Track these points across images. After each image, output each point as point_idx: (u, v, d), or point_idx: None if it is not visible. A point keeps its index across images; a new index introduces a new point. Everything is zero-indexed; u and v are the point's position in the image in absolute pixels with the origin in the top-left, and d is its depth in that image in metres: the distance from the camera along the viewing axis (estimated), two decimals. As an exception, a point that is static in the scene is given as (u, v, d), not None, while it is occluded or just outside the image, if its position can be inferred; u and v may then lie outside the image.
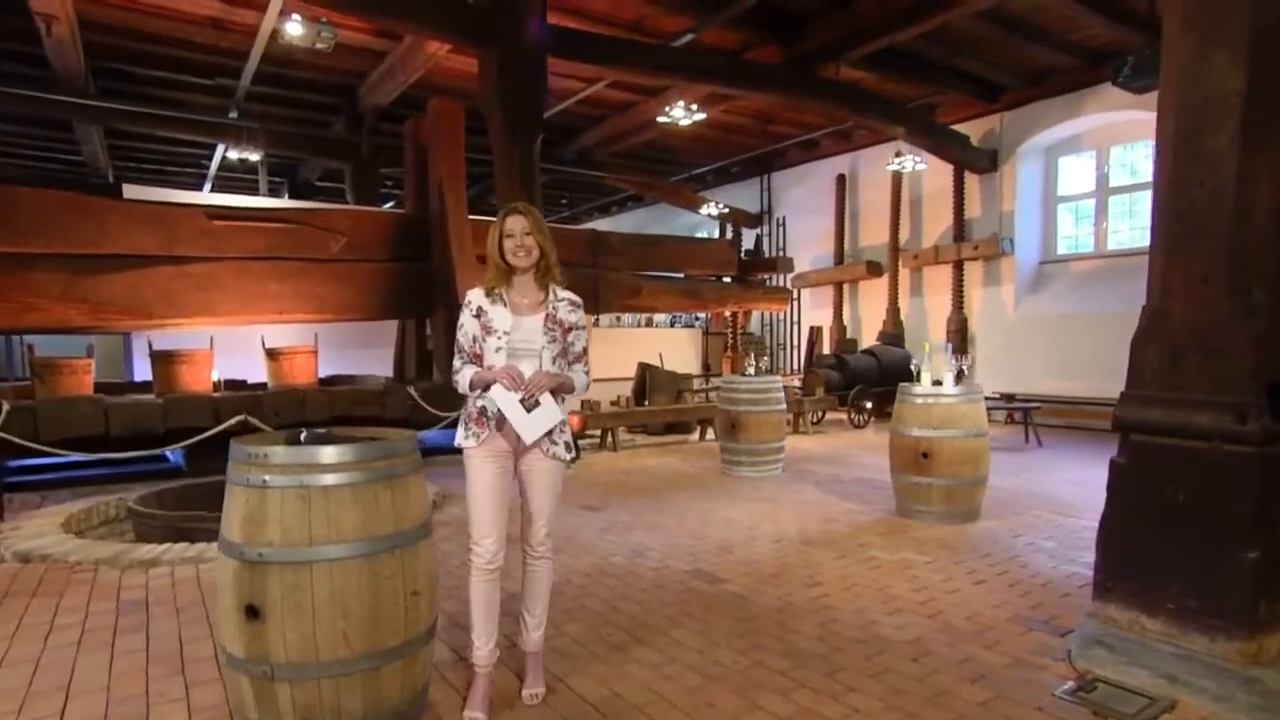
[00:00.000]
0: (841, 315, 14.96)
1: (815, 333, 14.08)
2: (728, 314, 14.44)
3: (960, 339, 12.72)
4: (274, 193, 15.35)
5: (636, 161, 15.76)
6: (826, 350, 14.25)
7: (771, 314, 16.33)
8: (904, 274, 13.89)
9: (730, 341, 14.59)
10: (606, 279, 10.88)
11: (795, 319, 15.94)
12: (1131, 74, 7.31)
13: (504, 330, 2.76)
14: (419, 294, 9.30)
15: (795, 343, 16.03)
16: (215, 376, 8.02)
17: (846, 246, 14.96)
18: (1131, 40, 9.52)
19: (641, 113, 12.47)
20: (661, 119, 9.95)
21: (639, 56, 8.76)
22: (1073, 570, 4.43)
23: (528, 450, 2.82)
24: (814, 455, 8.88)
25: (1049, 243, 12.36)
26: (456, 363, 2.84)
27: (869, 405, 11.72)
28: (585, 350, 2.90)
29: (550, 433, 2.81)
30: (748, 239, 15.17)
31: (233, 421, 4.38)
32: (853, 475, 7.59)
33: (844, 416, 11.94)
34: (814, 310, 15.65)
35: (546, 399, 2.74)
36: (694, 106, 9.56)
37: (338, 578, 2.41)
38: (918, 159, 11.95)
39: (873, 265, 14.21)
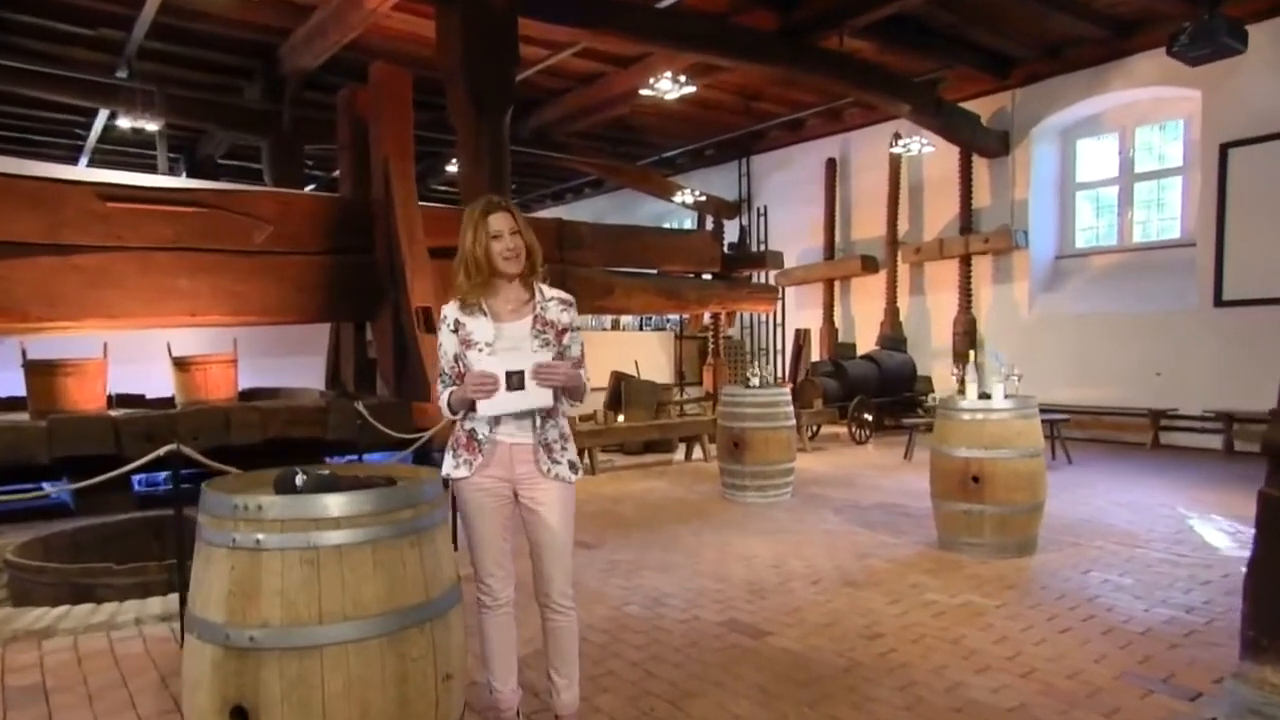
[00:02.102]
0: (833, 316, 14.93)
1: (802, 336, 13.97)
2: (707, 317, 14.25)
3: (968, 342, 12.74)
4: (169, 171, 14.65)
5: (599, 142, 15.56)
6: (815, 356, 14.18)
7: (754, 316, 16.20)
8: (903, 270, 13.91)
9: (712, 347, 14.40)
10: (575, 276, 10.61)
11: (779, 321, 15.85)
12: (1190, 42, 7.32)
13: (486, 341, 2.73)
14: (360, 292, 8.98)
15: (779, 348, 15.93)
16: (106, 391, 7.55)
17: (837, 239, 14.96)
18: (1169, 8, 9.62)
19: (609, 86, 12.21)
20: (646, 91, 9.70)
21: (621, 18, 8.50)
22: (1169, 614, 4.29)
23: (525, 476, 2.75)
24: (822, 477, 8.76)
25: (1066, 235, 12.48)
26: (438, 387, 2.85)
27: (869, 418, 11.66)
28: (582, 355, 2.87)
29: (549, 447, 2.74)
30: (730, 231, 15.04)
31: (162, 451, 3.95)
32: (872, 500, 7.51)
33: (841, 430, 11.87)
34: (800, 311, 15.60)
35: (533, 386, 2.63)
36: (682, 79, 9.34)
37: (355, 664, 2.08)
38: (924, 141, 11.94)
39: (868, 260, 14.20)
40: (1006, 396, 5.69)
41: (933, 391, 12.85)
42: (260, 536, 2.06)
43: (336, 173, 15.66)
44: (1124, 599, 4.55)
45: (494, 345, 2.72)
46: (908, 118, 11.70)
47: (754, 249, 14.75)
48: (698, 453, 10.14)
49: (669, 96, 9.79)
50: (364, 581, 2.11)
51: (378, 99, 8.96)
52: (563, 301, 2.85)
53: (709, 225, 13.47)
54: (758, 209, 16.25)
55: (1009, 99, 12.33)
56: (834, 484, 8.35)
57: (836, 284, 14.97)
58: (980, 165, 12.75)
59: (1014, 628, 4.15)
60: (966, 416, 5.63)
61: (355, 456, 7.91)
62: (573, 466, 2.81)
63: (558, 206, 20.14)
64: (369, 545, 2.13)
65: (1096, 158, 12.16)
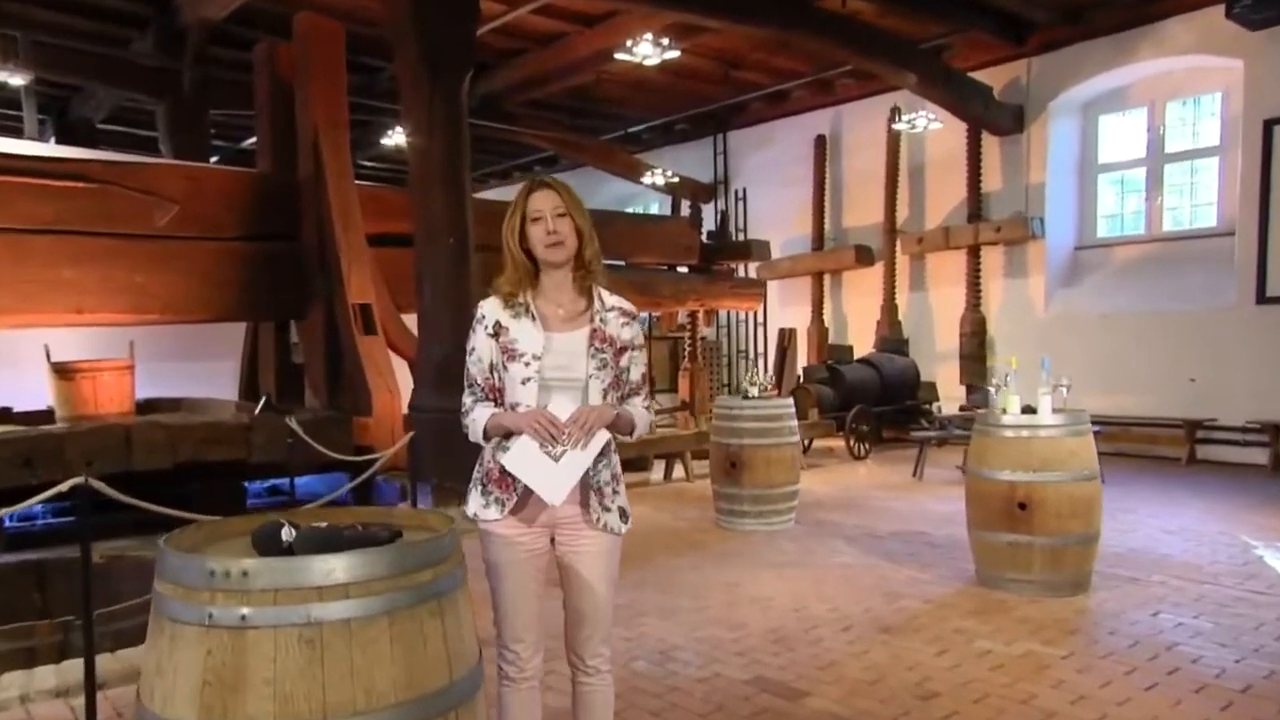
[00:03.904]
0: (822, 314, 14.92)
1: (786, 338, 13.94)
2: (683, 315, 14.11)
3: (976, 344, 12.80)
4: (37, 136, 14.05)
5: (556, 113, 15.41)
6: (802, 359, 14.14)
7: (734, 315, 16.11)
8: (903, 262, 13.95)
9: (689, 350, 14.26)
10: None
11: (761, 320, 15.79)
12: (1254, 2, 7.37)
13: (533, 354, 2.60)
14: (284, 286, 8.85)
15: (760, 350, 15.87)
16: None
17: (827, 227, 14.95)
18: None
19: (572, 48, 12.02)
20: (622, 55, 9.50)
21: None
22: (1269, 667, 4.22)
23: (568, 521, 2.65)
24: (824, 500, 8.70)
25: (1087, 223, 12.59)
26: (467, 400, 2.72)
27: (866, 429, 11.64)
28: (643, 378, 2.79)
29: (600, 490, 2.64)
30: (710, 218, 14.96)
31: (65, 486, 3.66)
32: (888, 527, 7.49)
33: (835, 444, 11.82)
34: (784, 308, 15.58)
35: (571, 458, 2.57)
36: (665, 41, 9.17)
37: (369, 773, 1.84)
38: (931, 117, 11.93)
39: (862, 251, 14.21)
40: (1055, 410, 5.64)
41: (937, 400, 12.89)
42: (246, 611, 1.82)
43: (250, 143, 15.44)
44: (1208, 648, 4.48)
45: (543, 361, 2.58)
46: (913, 89, 11.68)
47: (735, 237, 14.63)
48: (678, 471, 10.00)
49: (649, 62, 9.61)
50: (378, 664, 1.89)
51: (304, 57, 8.79)
52: (624, 313, 2.72)
53: (684, 211, 13.32)
54: (735, 192, 16.19)
55: (1024, 69, 12.40)
56: (840, 508, 8.31)
57: (826, 278, 14.95)
58: (991, 144, 12.79)
59: (1090, 684, 4.06)
60: (1010, 434, 5.57)
61: (284, 481, 7.65)
62: (623, 515, 2.70)
63: (504, 186, 19.86)
64: (385, 617, 1.91)
65: (1122, 136, 12.26)
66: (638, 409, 2.71)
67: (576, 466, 2.53)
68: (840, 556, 6.49)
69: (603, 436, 2.58)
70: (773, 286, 15.48)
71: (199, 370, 10.70)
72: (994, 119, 12.39)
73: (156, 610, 1.95)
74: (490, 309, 2.67)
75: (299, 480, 7.54)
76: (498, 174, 19.65)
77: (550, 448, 2.50)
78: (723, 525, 7.47)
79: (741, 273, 14.52)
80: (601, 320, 2.65)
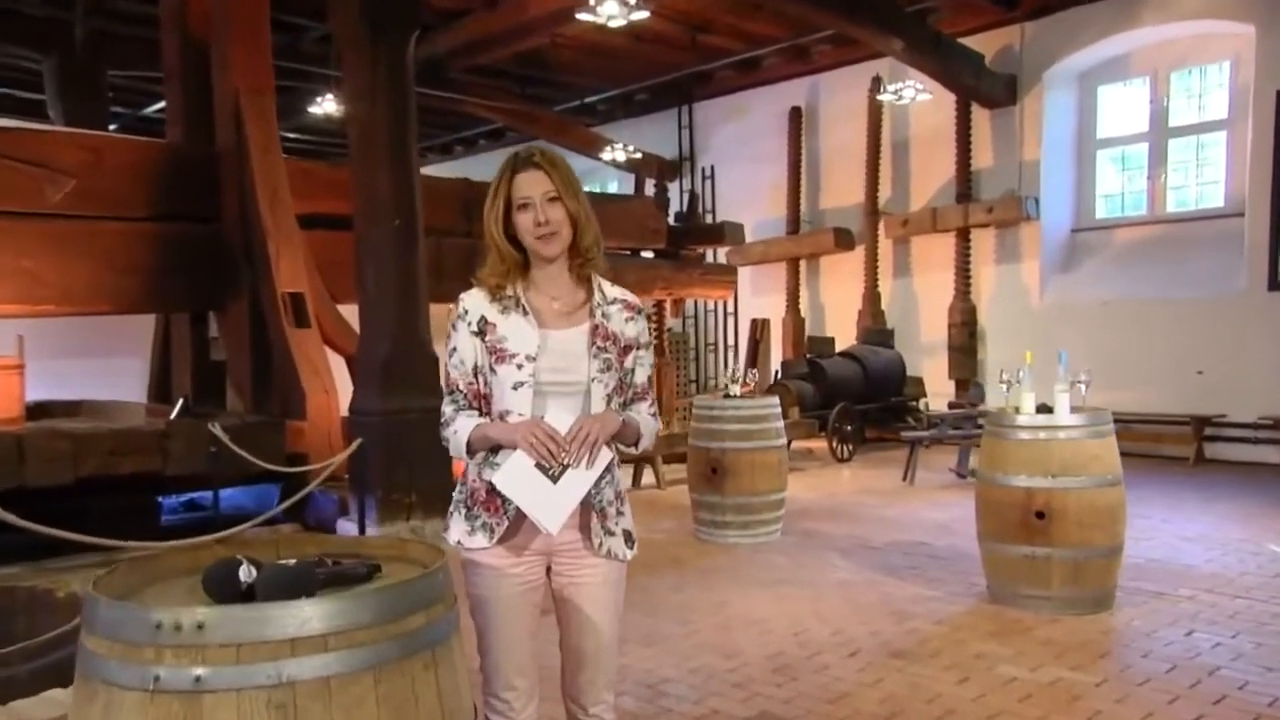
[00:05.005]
0: (798, 303, 14.89)
1: (759, 329, 13.89)
2: (648, 305, 13.98)
3: (966, 335, 12.81)
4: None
5: (505, 81, 15.26)
6: (776, 352, 14.09)
7: (702, 304, 16.03)
8: (885, 246, 13.97)
9: (656, 344, 14.13)
10: (486, 253, 10.24)
11: (731, 310, 15.72)
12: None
13: (526, 354, 2.46)
14: (201, 273, 8.62)
15: (731, 342, 15.80)
16: None
17: (803, 208, 14.94)
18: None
19: (525, 8, 11.76)
20: (585, 16, 9.30)
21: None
22: (1325, 693, 4.19)
23: (567, 548, 2.53)
24: (811, 507, 8.69)
25: (1085, 203, 12.68)
26: (447, 408, 2.56)
27: (850, 429, 11.61)
28: (650, 381, 2.69)
29: (602, 512, 2.51)
30: (675, 198, 14.86)
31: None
32: (883, 537, 7.48)
33: (814, 445, 11.77)
34: (756, 297, 15.57)
35: (574, 476, 2.42)
36: (632, 1, 8.99)
37: None
38: (920, 87, 11.91)
39: (841, 234, 14.19)
40: (1073, 410, 5.59)
41: (924, 396, 12.90)
42: (201, 672, 1.62)
43: (154, 110, 15.04)
44: (1253, 672, 4.44)
45: (538, 363, 2.44)
46: (899, 56, 11.64)
47: (704, 219, 14.55)
48: (648, 477, 9.88)
49: (614, 23, 9.43)
50: (362, 730, 1.69)
51: (224, 12, 8.58)
52: (629, 306, 2.60)
53: (649, 190, 13.21)
54: (702, 169, 16.15)
55: (1017, 34, 12.45)
56: (828, 516, 8.30)
57: (802, 264, 14.95)
58: (981, 117, 12.83)
59: (1130, 716, 3.99)
60: (1025, 435, 5.52)
61: (205, 494, 7.37)
62: (628, 539, 2.59)
63: (447, 161, 19.72)
64: (370, 673, 1.73)
65: (1122, 108, 12.36)
66: (644, 416, 2.58)
67: (578, 488, 2.39)
68: (836, 571, 6.44)
69: (608, 453, 2.43)
70: (744, 273, 15.42)
71: (99, 368, 10.48)
72: (985, 90, 12.41)
73: (85, 672, 1.74)
74: (474, 302, 2.53)
75: (223, 493, 7.28)
76: (437, 148, 19.43)
77: (548, 465, 2.34)
78: (703, 537, 7.41)
79: (710, 258, 14.40)
80: (604, 315, 2.53)
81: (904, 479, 9.88)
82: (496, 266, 2.49)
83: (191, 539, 6.63)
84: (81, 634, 1.75)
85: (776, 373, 12.59)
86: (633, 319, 2.60)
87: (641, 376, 2.63)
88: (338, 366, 8.52)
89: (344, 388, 8.16)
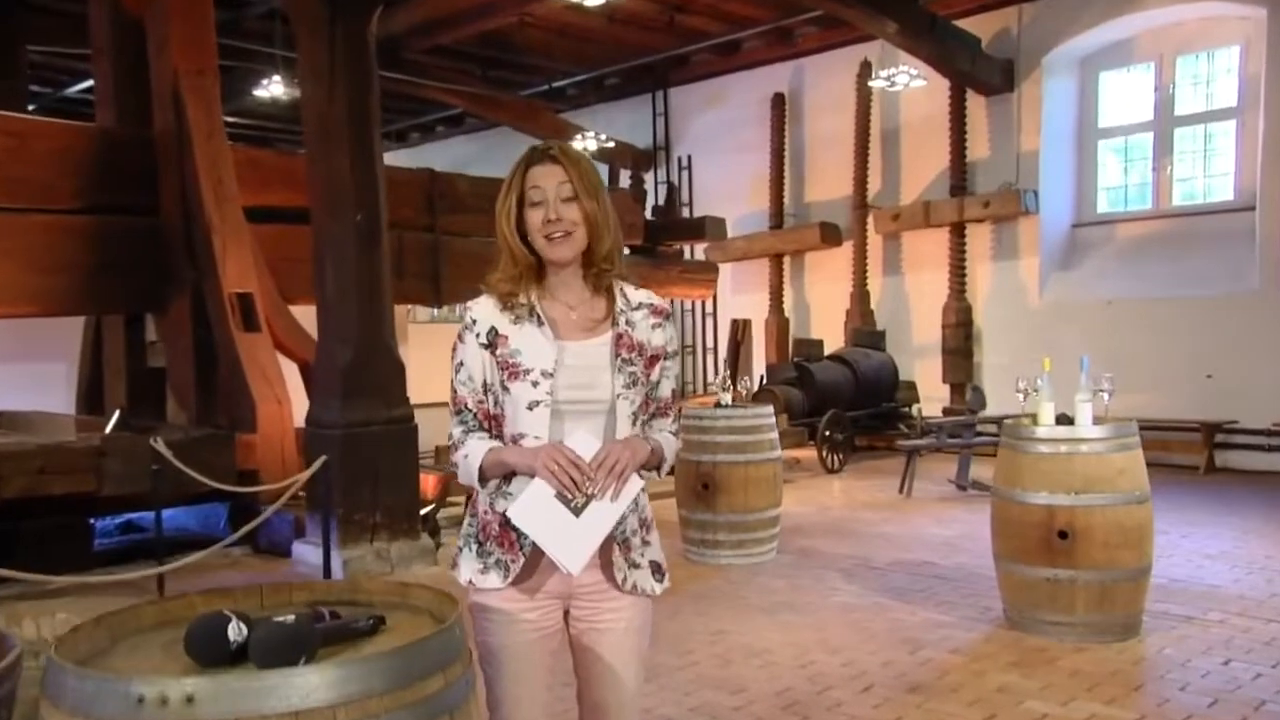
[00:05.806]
0: (782, 303, 14.87)
1: (740, 330, 13.85)
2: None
3: (962, 336, 12.81)
4: None
5: (467, 63, 15.21)
6: (758, 355, 14.05)
7: (681, 303, 15.93)
8: (875, 242, 13.98)
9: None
10: (450, 250, 10.52)
11: (710, 309, 15.67)
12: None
13: (543, 370, 2.35)
14: (137, 271, 8.56)
15: (710, 344, 15.75)
16: None
17: (787, 201, 14.93)
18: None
19: (488, -18, 11.69)
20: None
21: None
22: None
23: (589, 590, 2.43)
24: (804, 524, 8.64)
25: (1086, 197, 12.73)
26: (455, 430, 2.46)
27: (841, 438, 11.57)
28: (674, 395, 2.58)
29: (626, 543, 2.41)
30: (652, 190, 14.79)
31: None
32: (886, 557, 7.42)
33: (803, 454, 11.73)
34: (736, 296, 15.56)
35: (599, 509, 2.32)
36: (610, -23, 8.95)
37: None
38: (913, 72, 11.89)
39: (828, 229, 14.20)
40: (1096, 421, 5.53)
41: (917, 401, 12.88)
42: (188, 755, 1.47)
43: (77, 90, 14.76)
44: (1304, 704, 4.39)
45: (555, 380, 2.32)
46: (892, 40, 11.62)
47: (683, 213, 14.51)
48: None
49: (590, 3, 9.34)
50: (376, 818, 1.56)
51: None
52: (655, 311, 2.49)
53: (624, 182, 13.12)
54: (678, 159, 16.12)
55: (1014, 17, 12.50)
56: (824, 533, 8.25)
57: (787, 260, 14.95)
58: (977, 105, 12.86)
59: (1176, 755, 3.90)
60: (1046, 448, 5.45)
61: (145, 515, 7.18)
62: (657, 570, 2.47)
63: (403, 149, 19.66)
64: (384, 749, 1.57)
65: (1126, 95, 12.41)
66: (666, 436, 2.48)
67: (604, 522, 2.27)
68: (839, 595, 6.35)
69: (637, 481, 2.30)
70: (724, 271, 15.39)
71: (20, 375, 10.49)
72: (980, 75, 12.44)
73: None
74: (483, 312, 2.42)
75: (169, 514, 7.11)
76: (393, 135, 19.33)
77: (570, 495, 2.21)
78: (692, 558, 7.31)
79: (687, 254, 14.34)
80: (628, 322, 2.42)
81: (901, 491, 9.84)
82: (509, 270, 2.39)
83: (132, 568, 6.53)
84: (42, 708, 1.59)
85: (761, 378, 12.51)
86: (660, 325, 2.49)
87: (666, 390, 2.53)
88: (289, 373, 8.38)
89: (297, 398, 8.03)
